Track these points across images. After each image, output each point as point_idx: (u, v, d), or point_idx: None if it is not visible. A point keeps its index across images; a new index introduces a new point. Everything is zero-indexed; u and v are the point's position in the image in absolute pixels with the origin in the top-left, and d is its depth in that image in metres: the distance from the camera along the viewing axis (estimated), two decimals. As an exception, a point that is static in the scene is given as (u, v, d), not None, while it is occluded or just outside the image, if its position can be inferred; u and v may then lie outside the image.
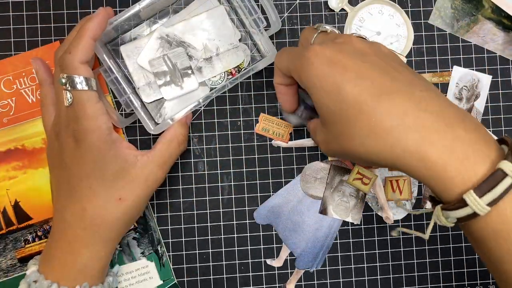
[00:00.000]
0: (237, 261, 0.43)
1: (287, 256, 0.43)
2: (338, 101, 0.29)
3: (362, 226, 0.44)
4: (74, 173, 0.35)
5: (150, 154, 0.38)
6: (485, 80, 0.45)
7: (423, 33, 0.45)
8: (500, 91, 0.45)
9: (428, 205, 0.44)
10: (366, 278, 0.44)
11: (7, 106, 0.42)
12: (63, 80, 0.34)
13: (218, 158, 0.43)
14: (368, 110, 0.28)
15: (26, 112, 0.42)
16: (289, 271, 0.43)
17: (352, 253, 0.44)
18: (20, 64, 0.42)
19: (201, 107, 0.43)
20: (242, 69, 0.42)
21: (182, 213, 0.43)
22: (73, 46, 0.35)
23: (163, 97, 0.41)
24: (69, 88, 0.34)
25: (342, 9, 0.44)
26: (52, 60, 0.42)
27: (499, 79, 0.45)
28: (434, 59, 0.45)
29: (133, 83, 0.41)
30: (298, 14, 0.44)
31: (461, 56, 0.45)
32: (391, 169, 0.43)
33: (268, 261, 0.43)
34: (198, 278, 0.43)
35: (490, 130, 0.45)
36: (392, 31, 0.44)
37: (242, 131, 0.43)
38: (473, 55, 0.45)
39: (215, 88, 0.40)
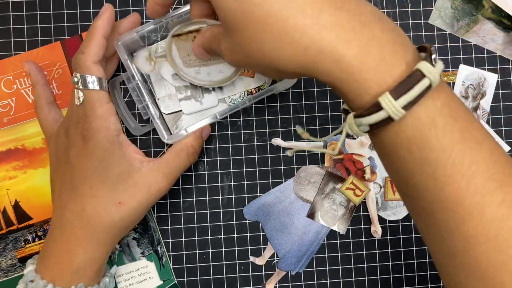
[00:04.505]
0: (237, 261, 0.43)
1: (270, 256, 0.43)
2: (244, 2, 0.26)
3: (362, 226, 0.44)
4: (78, 171, 0.35)
5: (156, 161, 0.37)
6: (491, 79, 0.45)
7: (423, 33, 0.45)
8: (500, 91, 0.45)
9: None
10: (366, 278, 0.44)
11: (7, 106, 0.42)
12: (76, 79, 0.35)
13: (218, 158, 0.43)
14: (279, 9, 0.25)
15: (26, 112, 0.42)
16: (289, 273, 0.43)
17: (352, 253, 0.44)
18: (20, 64, 0.42)
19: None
20: (263, 90, 0.42)
21: (182, 213, 0.43)
22: (85, 46, 0.36)
23: (181, 110, 0.41)
24: (81, 87, 0.35)
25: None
26: (52, 60, 0.42)
27: (499, 79, 0.45)
28: (434, 59, 0.45)
29: (154, 94, 0.42)
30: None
31: (461, 56, 0.45)
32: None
33: (251, 258, 0.43)
34: (198, 278, 0.43)
35: (490, 130, 0.45)
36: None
37: (242, 131, 0.43)
38: (473, 55, 0.45)
39: (234, 105, 0.40)
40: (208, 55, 0.35)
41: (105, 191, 0.35)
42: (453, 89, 0.44)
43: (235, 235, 0.43)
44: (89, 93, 0.35)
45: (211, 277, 0.43)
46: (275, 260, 0.43)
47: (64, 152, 0.36)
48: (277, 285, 0.43)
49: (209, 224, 0.43)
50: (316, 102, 0.44)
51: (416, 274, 0.44)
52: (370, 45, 0.25)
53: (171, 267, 0.43)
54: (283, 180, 0.44)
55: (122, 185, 0.36)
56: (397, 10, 0.45)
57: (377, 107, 0.25)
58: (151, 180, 0.36)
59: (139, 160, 0.37)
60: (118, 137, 0.36)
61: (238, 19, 0.27)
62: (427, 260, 0.44)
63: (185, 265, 0.43)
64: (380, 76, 0.25)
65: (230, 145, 0.43)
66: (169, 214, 0.43)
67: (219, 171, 0.43)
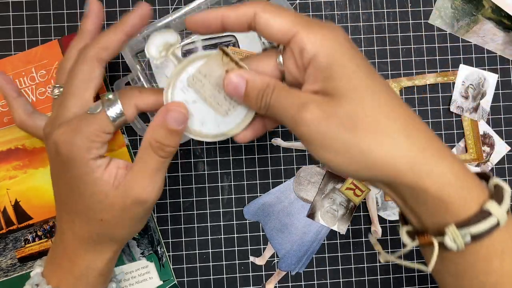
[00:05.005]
0: (237, 261, 0.43)
1: (270, 256, 0.43)
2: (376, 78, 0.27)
3: (362, 226, 0.44)
4: (56, 184, 0.33)
5: (127, 176, 0.31)
6: (491, 79, 0.45)
7: (423, 33, 0.45)
8: (500, 91, 0.45)
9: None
10: (366, 278, 0.44)
11: (7, 105, 0.42)
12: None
13: (218, 158, 0.43)
14: (406, 110, 0.27)
15: (26, 112, 0.42)
16: (289, 273, 0.43)
17: (352, 253, 0.44)
18: (20, 64, 0.42)
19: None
20: None
21: (182, 213, 0.43)
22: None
23: None
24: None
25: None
26: (50, 59, 0.42)
27: (499, 79, 0.45)
28: (434, 59, 0.45)
29: None
30: (298, 14, 0.44)
31: (461, 56, 0.45)
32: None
33: (251, 258, 0.43)
34: (198, 278, 0.43)
35: (490, 130, 0.45)
36: (392, 31, 0.44)
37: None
38: (473, 55, 0.45)
39: None
40: (241, 98, 0.28)
41: (83, 208, 0.32)
42: (453, 89, 0.44)
43: (235, 235, 0.43)
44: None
45: (211, 277, 0.43)
46: (275, 260, 0.43)
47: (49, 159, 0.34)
48: (277, 285, 0.43)
49: (209, 224, 0.43)
50: (316, 102, 0.44)
51: (416, 274, 0.44)
52: (463, 167, 0.28)
53: (171, 267, 0.43)
54: (283, 180, 0.44)
55: (99, 204, 0.31)
56: (397, 10, 0.45)
57: (485, 215, 0.26)
58: (127, 196, 0.31)
59: (108, 183, 0.31)
60: (93, 151, 0.31)
61: (357, 87, 0.25)
62: (427, 260, 0.44)
63: (185, 265, 0.43)
64: (480, 187, 0.27)
65: (230, 145, 0.43)
66: (169, 214, 0.43)
67: (219, 171, 0.43)
